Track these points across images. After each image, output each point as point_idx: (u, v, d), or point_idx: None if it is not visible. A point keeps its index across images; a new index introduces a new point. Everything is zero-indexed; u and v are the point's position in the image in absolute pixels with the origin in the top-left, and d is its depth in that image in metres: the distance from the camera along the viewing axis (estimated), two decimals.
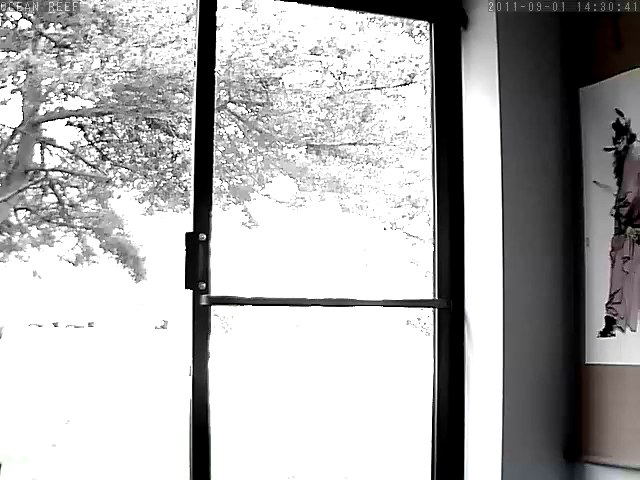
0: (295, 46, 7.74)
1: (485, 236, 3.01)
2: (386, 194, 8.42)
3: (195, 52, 2.79)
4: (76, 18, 7.35)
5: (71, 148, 8.07)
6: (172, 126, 7.94)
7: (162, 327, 9.97)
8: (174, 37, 7.43)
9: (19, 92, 7.62)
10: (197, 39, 2.78)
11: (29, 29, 7.47)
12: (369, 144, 8.22)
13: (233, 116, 8.04)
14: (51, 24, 7.48)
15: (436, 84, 3.14)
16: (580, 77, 3.05)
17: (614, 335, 2.88)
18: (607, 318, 2.91)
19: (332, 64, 7.97)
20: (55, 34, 7.47)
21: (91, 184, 8.24)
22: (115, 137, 8.08)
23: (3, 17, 7.47)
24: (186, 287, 2.69)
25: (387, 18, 7.46)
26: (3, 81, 7.41)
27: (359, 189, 8.40)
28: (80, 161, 8.12)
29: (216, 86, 2.81)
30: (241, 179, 8.24)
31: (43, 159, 8.10)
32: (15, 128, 7.82)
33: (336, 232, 8.52)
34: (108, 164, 8.10)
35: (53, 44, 7.48)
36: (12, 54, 7.36)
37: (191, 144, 2.77)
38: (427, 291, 3.13)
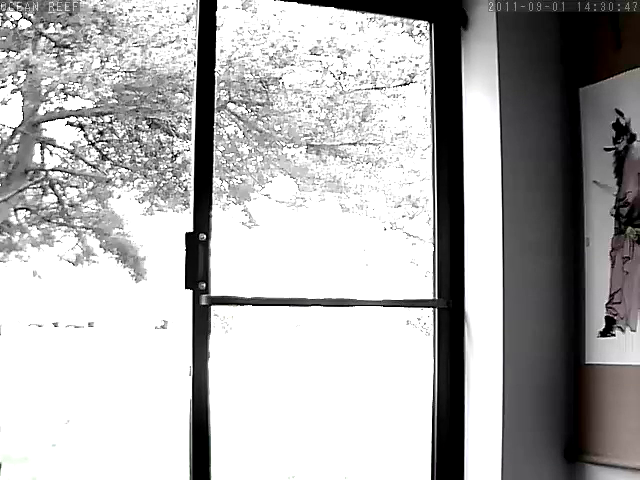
0: (295, 46, 7.74)
1: (485, 236, 3.01)
2: (386, 194, 8.42)
3: (195, 52, 2.79)
4: (76, 18, 7.35)
5: (71, 148, 8.08)
6: (172, 126, 7.94)
7: (162, 327, 9.98)
8: (174, 37, 7.43)
9: (19, 92, 7.63)
10: (197, 39, 2.78)
11: (29, 29, 7.47)
12: (369, 144, 8.22)
13: (233, 116, 8.04)
14: (51, 24, 7.48)
15: (436, 84, 3.14)
16: (580, 77, 3.05)
17: (614, 335, 2.88)
18: (607, 318, 2.91)
19: (332, 64, 7.97)
20: (55, 34, 7.47)
21: (91, 184, 8.24)
22: (115, 137, 8.08)
23: (3, 17, 7.47)
24: (186, 287, 2.69)
25: (387, 18, 7.46)
26: (3, 81, 7.41)
27: (359, 189, 8.40)
28: (80, 161, 8.12)
29: (216, 86, 2.81)
30: (241, 179, 8.24)
31: (43, 159, 8.10)
32: (15, 128, 7.82)
33: (336, 232, 8.52)
34: (108, 164, 8.10)
35: (53, 44, 7.48)
36: (12, 54, 7.36)
37: (191, 144, 2.77)
38: (427, 291, 3.13)
